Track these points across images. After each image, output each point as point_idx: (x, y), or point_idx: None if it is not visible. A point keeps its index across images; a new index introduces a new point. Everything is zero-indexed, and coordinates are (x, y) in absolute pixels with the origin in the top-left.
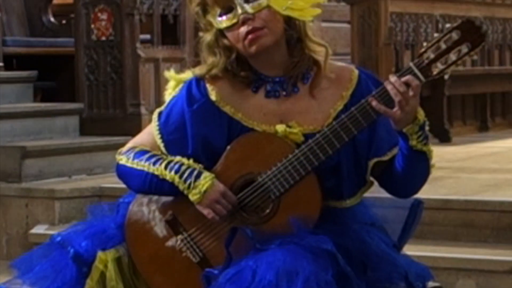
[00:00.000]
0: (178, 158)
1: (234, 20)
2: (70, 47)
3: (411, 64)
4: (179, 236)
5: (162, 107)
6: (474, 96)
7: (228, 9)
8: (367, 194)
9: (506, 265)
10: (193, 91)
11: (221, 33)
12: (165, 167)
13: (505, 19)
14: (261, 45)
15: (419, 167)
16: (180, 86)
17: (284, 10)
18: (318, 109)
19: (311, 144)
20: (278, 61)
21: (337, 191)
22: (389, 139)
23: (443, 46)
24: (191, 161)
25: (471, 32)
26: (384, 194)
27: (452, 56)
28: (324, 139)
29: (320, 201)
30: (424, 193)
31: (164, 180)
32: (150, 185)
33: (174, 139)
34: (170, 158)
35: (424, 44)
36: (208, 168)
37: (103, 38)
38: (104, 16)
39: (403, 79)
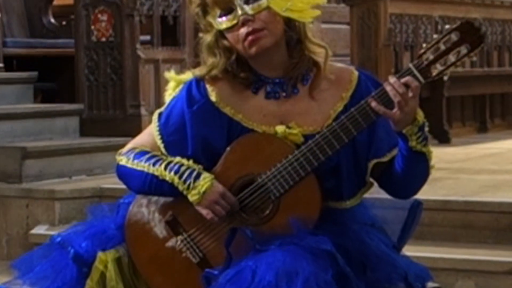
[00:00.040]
0: (178, 159)
1: (234, 21)
2: (70, 48)
3: (410, 65)
4: (179, 237)
5: (162, 108)
6: (473, 97)
7: (228, 10)
8: (366, 195)
9: (505, 266)
10: (193, 92)
11: (221, 34)
12: (165, 168)
13: (504, 20)
14: (261, 47)
15: (418, 168)
16: (180, 87)
17: (284, 11)
18: (317, 110)
19: (311, 145)
20: (278, 62)
21: (336, 192)
22: (389, 140)
23: (442, 48)
24: (190, 162)
25: (470, 34)
26: (383, 195)
27: (451, 58)
28: (324, 140)
29: (320, 202)
30: (424, 194)
31: (163, 180)
32: (150, 185)
33: (174, 140)
34: (170, 159)
35: (424, 45)
36: (208, 169)
37: (103, 39)
38: (104, 17)
39: (403, 80)
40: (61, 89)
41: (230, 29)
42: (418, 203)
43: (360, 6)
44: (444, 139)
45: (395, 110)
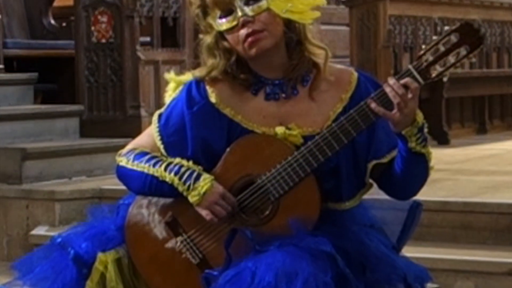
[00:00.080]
0: (178, 160)
1: (234, 23)
2: (70, 50)
3: (410, 66)
4: (179, 238)
5: (162, 109)
6: (472, 99)
7: (228, 12)
8: (366, 196)
9: (504, 267)
10: (193, 93)
11: (221, 35)
12: (165, 169)
13: (503, 22)
14: (261, 48)
15: (418, 169)
16: (180, 88)
17: (284, 13)
18: (317, 111)
19: (311, 146)
20: (278, 64)
21: (336, 193)
22: (388, 141)
23: (442, 49)
24: (190, 163)
25: (469, 35)
26: (383, 196)
27: (451, 59)
28: (323, 141)
29: (319, 202)
30: (423, 195)
31: (163, 181)
32: (150, 186)
33: (174, 141)
34: (170, 160)
35: (423, 46)
36: (208, 170)
37: (103, 41)
38: (104, 19)
39: (402, 81)
40: (61, 90)
41: (230, 30)
42: (418, 204)
43: (359, 7)
44: (443, 140)
45: (394, 111)
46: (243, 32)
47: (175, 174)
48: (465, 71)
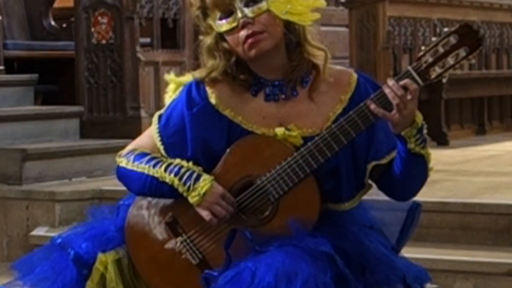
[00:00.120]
0: (178, 160)
1: (234, 24)
2: (70, 51)
3: (409, 67)
4: (179, 238)
5: (162, 110)
6: (471, 100)
7: (228, 13)
8: (365, 197)
9: (503, 267)
10: (193, 94)
11: (221, 36)
12: (165, 170)
13: (502, 23)
14: (261, 49)
15: (417, 170)
16: (180, 89)
17: (283, 14)
18: (317, 112)
19: (310, 147)
20: (278, 65)
21: (335, 194)
22: (388, 142)
23: (441, 50)
24: (190, 163)
25: (468, 36)
26: (382, 196)
27: (450, 60)
28: (323, 142)
29: (319, 203)
30: (422, 196)
31: (163, 182)
32: (150, 187)
33: (174, 142)
34: (169, 160)
35: (422, 48)
36: (208, 170)
37: (103, 42)
38: (104, 20)
39: (401, 82)
40: (62, 91)
41: (230, 31)
42: (417, 205)
43: (359, 9)
44: (442, 141)
45: (393, 112)
46: (243, 33)
47: (175, 175)
48: (464, 72)
